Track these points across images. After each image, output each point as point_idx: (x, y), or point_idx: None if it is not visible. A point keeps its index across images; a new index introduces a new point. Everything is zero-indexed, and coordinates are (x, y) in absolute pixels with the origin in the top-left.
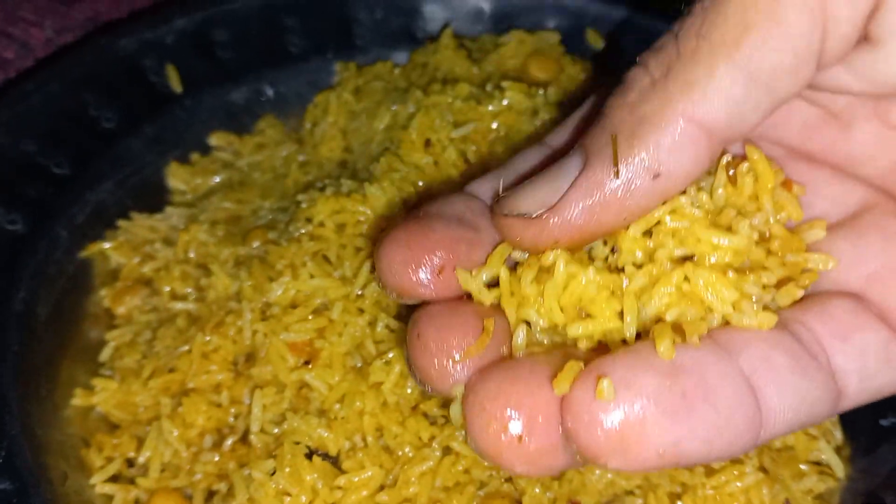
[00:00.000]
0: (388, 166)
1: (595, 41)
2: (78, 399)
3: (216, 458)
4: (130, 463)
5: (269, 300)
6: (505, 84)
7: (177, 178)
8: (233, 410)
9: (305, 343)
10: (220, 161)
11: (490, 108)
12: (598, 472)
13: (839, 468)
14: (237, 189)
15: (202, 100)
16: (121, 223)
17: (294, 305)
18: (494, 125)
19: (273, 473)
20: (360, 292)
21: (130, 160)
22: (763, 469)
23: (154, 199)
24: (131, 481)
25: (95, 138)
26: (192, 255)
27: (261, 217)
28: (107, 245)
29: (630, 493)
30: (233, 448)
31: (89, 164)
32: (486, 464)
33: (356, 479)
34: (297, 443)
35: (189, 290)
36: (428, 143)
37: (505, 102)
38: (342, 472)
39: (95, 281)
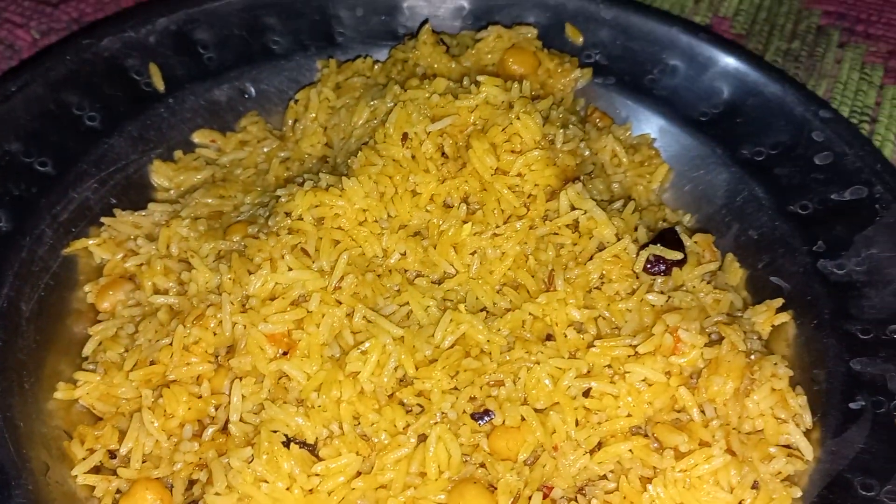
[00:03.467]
0: (366, 160)
1: (574, 35)
2: (61, 392)
3: (196, 448)
4: (113, 454)
5: (248, 293)
6: (481, 79)
7: (160, 175)
8: (213, 401)
9: (284, 334)
10: (203, 158)
11: (466, 102)
12: (571, 456)
13: (808, 451)
14: (220, 185)
15: (185, 98)
16: (104, 220)
17: (273, 297)
18: (471, 119)
19: (251, 461)
20: (337, 284)
21: (114, 158)
22: (731, 452)
23: (138, 196)
24: (113, 472)
25: (79, 137)
26: (173, 250)
27: (242, 212)
28: (90, 242)
29: (603, 477)
30: (213, 437)
31: (73, 163)
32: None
33: (333, 466)
34: (275, 431)
35: (171, 284)
36: (405, 136)
37: (481, 97)
38: (319, 459)
39: (79, 277)
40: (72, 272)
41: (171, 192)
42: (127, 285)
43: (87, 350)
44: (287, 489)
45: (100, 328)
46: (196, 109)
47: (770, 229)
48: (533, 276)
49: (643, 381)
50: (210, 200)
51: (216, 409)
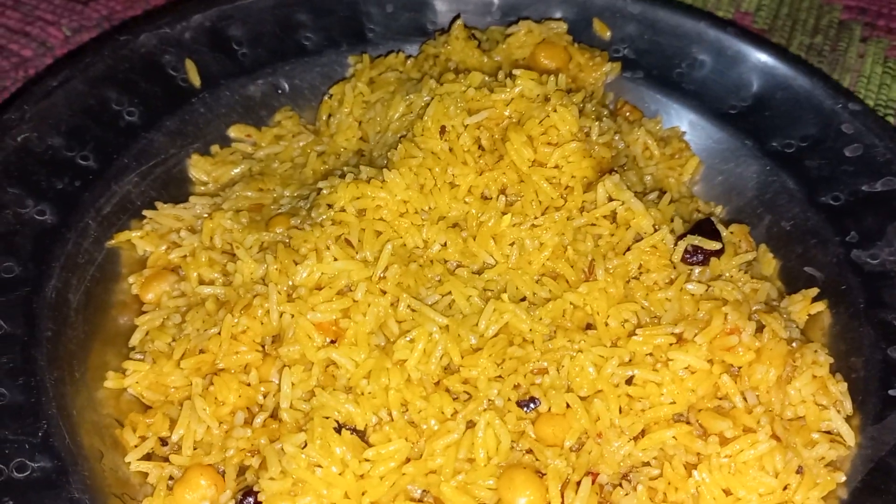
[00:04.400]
0: (406, 153)
1: (602, 30)
2: (110, 381)
3: (248, 434)
4: (164, 442)
5: (294, 283)
6: (516, 72)
7: (198, 169)
8: (262, 389)
9: (331, 323)
10: (239, 152)
11: (503, 95)
12: (615, 443)
13: (850, 437)
14: (257, 179)
15: (220, 94)
16: (146, 213)
17: (319, 287)
18: (507, 112)
19: (304, 446)
20: (382, 274)
21: (153, 153)
22: (776, 437)
23: (178, 189)
24: (165, 459)
25: (119, 132)
26: (217, 241)
27: (282, 205)
28: (134, 234)
29: (647, 464)
30: (264, 424)
31: (114, 157)
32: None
33: (384, 452)
34: (327, 417)
35: (216, 275)
36: (443, 130)
37: (517, 90)
38: (369, 445)
39: (123, 269)
40: (116, 264)
41: (210, 185)
42: (171, 277)
43: (135, 340)
44: (340, 474)
45: (147, 318)
46: (231, 105)
47: (802, 220)
48: (572, 267)
49: (686, 368)
50: (250, 193)
51: (264, 397)
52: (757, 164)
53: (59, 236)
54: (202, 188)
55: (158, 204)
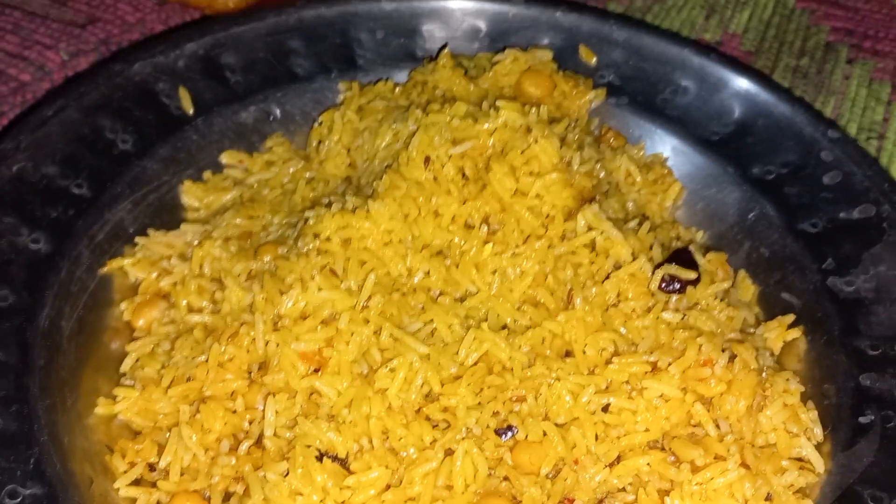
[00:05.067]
0: (391, 183)
1: (588, 56)
2: (101, 408)
3: (233, 462)
4: (152, 467)
5: (280, 312)
6: (500, 103)
7: (191, 195)
8: (248, 416)
9: (315, 352)
10: (231, 178)
11: (486, 125)
12: (591, 470)
13: (819, 463)
14: (248, 206)
15: (213, 120)
16: (138, 240)
17: (304, 316)
18: (490, 142)
19: (286, 475)
20: (365, 303)
21: (146, 180)
22: (745, 465)
23: (170, 216)
24: (153, 485)
25: (112, 160)
26: (206, 269)
27: (271, 232)
28: (126, 261)
29: (622, 490)
30: (248, 451)
31: (107, 185)
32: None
33: (364, 479)
34: (308, 446)
35: (205, 303)
36: (427, 160)
37: (500, 121)
38: (350, 472)
39: (115, 296)
40: (108, 291)
41: (201, 211)
42: (162, 303)
43: (125, 367)
44: (321, 502)
45: (137, 345)
46: (224, 131)
47: (781, 247)
48: (552, 294)
49: (660, 396)
50: (239, 221)
51: (250, 424)
52: (738, 191)
53: (52, 264)
54: (194, 214)
55: (150, 231)
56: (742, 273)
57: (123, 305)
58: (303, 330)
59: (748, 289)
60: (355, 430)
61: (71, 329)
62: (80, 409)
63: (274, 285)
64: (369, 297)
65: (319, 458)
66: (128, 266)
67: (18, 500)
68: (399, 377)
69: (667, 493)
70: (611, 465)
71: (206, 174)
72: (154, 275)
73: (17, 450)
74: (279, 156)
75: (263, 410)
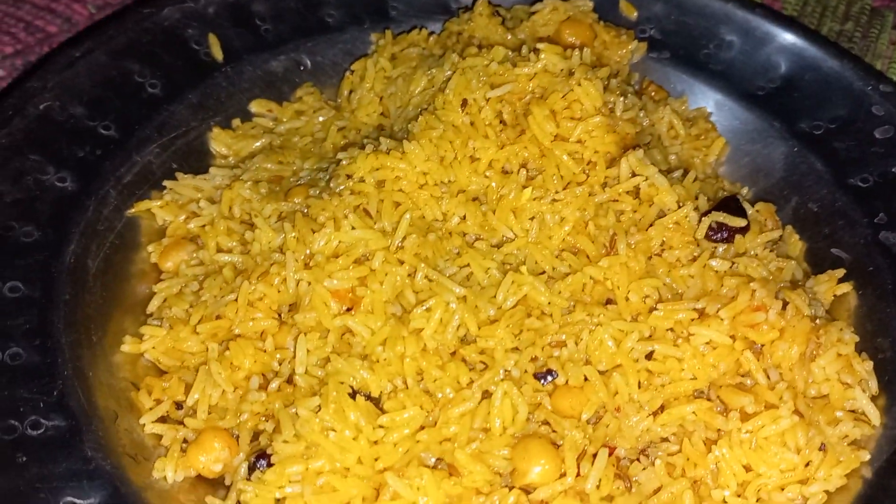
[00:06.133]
0: (426, 125)
1: (629, 10)
2: (127, 346)
3: (263, 398)
4: (179, 406)
5: (311, 251)
6: (540, 46)
7: (219, 142)
8: (277, 356)
9: (347, 291)
10: (260, 127)
11: (525, 70)
12: (634, 418)
13: (875, 416)
14: (278, 152)
15: (243, 69)
16: (167, 183)
17: (336, 255)
18: (530, 86)
19: (318, 410)
20: (399, 244)
21: (175, 125)
22: (798, 413)
23: (198, 162)
24: (180, 423)
25: (141, 104)
26: (236, 211)
27: (301, 177)
28: (154, 204)
29: (665, 439)
30: (279, 389)
31: (135, 128)
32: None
33: (398, 419)
34: (341, 383)
35: (234, 243)
36: (465, 103)
37: (540, 65)
38: (383, 412)
39: (142, 239)
40: (135, 233)
41: (230, 158)
42: (189, 246)
43: (152, 307)
44: (353, 439)
45: (164, 285)
46: (253, 80)
47: (830, 202)
48: (593, 242)
49: (707, 343)
50: (270, 165)
51: (280, 364)
52: (784, 146)
53: (79, 203)
54: (222, 161)
55: (178, 174)
56: (789, 229)
57: (151, 248)
58: (335, 268)
59: (795, 244)
60: (389, 369)
61: (97, 268)
62: (105, 347)
63: (306, 224)
64: (404, 238)
65: (352, 396)
66: (155, 208)
67: (41, 431)
68: (435, 318)
69: (713, 442)
70: (654, 414)
71: (235, 122)
72: (182, 218)
73: (41, 382)
74: (309, 105)
75: (294, 350)
